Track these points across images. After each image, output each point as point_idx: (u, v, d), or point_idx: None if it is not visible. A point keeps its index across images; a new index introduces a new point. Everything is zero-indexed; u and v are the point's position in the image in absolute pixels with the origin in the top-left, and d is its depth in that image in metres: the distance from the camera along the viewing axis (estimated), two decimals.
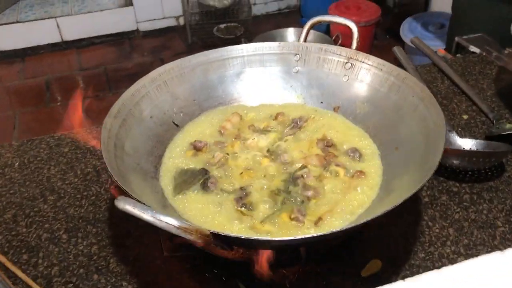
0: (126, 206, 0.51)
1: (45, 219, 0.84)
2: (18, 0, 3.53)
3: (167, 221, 0.51)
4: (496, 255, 0.60)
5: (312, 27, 0.90)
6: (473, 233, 0.79)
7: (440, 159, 0.62)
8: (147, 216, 0.51)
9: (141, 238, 0.80)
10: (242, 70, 0.92)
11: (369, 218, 0.55)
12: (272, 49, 0.92)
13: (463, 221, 0.81)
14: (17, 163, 0.96)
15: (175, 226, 0.51)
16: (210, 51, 0.90)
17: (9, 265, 0.75)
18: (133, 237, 0.80)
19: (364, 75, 0.86)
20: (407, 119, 0.78)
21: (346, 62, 0.88)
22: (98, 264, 0.76)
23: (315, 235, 0.53)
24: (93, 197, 0.88)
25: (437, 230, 0.80)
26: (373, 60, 0.86)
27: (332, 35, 2.90)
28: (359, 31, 0.89)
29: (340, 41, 2.86)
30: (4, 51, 3.25)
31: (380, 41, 3.18)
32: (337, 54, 0.89)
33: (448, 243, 0.78)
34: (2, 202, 0.87)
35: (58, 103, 2.90)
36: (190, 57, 0.89)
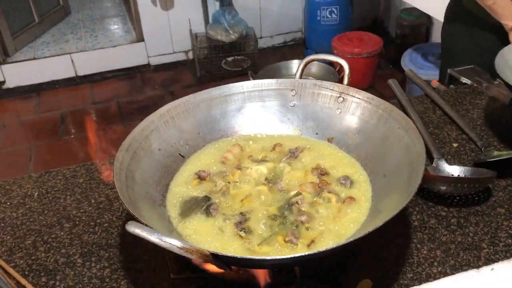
0: (136, 230, 0.58)
1: (61, 244, 0.91)
2: (36, 38, 3.70)
3: (171, 242, 0.58)
4: (471, 273, 0.66)
5: (306, 65, 0.99)
6: (459, 254, 0.84)
7: (418, 185, 0.68)
8: (153, 238, 0.57)
9: (150, 262, 0.86)
10: (242, 105, 1.00)
11: (351, 239, 0.61)
12: (270, 85, 1.00)
13: (450, 243, 0.86)
14: (36, 194, 1.04)
15: (178, 247, 0.58)
16: (213, 88, 0.98)
17: (29, 287, 0.82)
18: (142, 261, 0.86)
19: (355, 108, 0.94)
20: (394, 148, 0.85)
21: (339, 97, 0.96)
22: (110, 286, 0.82)
23: (303, 254, 0.59)
24: (106, 224, 0.95)
25: (425, 252, 0.85)
26: (362, 95, 0.93)
27: (336, 66, 2.99)
28: (350, 68, 0.97)
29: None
30: (21, 87, 3.40)
31: (384, 71, 3.27)
32: (330, 89, 0.97)
33: (435, 264, 0.83)
34: (23, 229, 0.95)
35: (72, 136, 3.01)
36: (195, 94, 0.97)
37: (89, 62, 3.49)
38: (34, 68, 3.40)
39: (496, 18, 1.40)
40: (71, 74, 3.48)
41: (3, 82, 3.36)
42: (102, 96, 3.38)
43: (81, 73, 3.49)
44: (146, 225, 0.63)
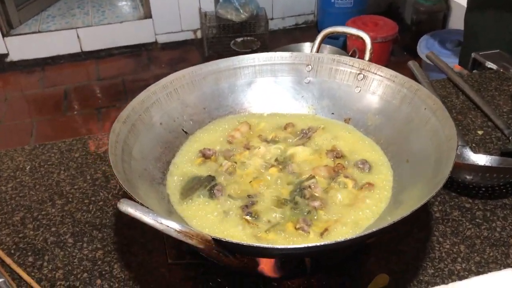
0: (129, 208, 0.51)
1: (52, 222, 0.84)
2: (41, 10, 3.62)
3: (168, 225, 0.50)
4: (507, 272, 0.58)
5: (325, 38, 0.90)
6: (485, 250, 0.77)
7: (450, 172, 0.61)
8: (148, 219, 0.50)
9: (146, 245, 0.79)
10: (253, 80, 0.92)
11: (373, 230, 0.53)
12: (284, 59, 0.92)
13: (475, 238, 0.79)
14: (28, 167, 0.97)
15: (175, 230, 0.50)
16: (222, 60, 0.90)
17: (14, 266, 0.75)
18: (138, 243, 0.80)
19: (376, 86, 0.86)
20: (419, 131, 0.77)
21: (359, 74, 0.88)
22: (102, 269, 0.76)
23: (316, 244, 0.51)
24: (101, 203, 0.88)
25: (447, 246, 0.78)
26: (385, 72, 0.85)
27: (349, 50, 2.89)
28: (372, 43, 0.88)
29: (357, 56, 2.86)
30: (25, 60, 3.32)
31: (397, 57, 3.17)
32: (349, 65, 0.88)
33: (459, 260, 0.75)
34: (11, 204, 0.88)
35: (75, 112, 2.94)
36: (201, 65, 0.89)
37: (95, 38, 3.39)
38: (39, 41, 3.31)
39: None
40: (76, 49, 3.39)
41: (6, 55, 3.28)
42: (108, 73, 3.29)
43: (86, 48, 3.40)
44: (141, 204, 0.56)
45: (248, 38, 3.38)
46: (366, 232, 0.54)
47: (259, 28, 3.33)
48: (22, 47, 3.29)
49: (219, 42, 3.34)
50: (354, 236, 0.54)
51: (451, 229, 0.81)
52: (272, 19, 3.59)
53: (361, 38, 0.87)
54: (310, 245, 0.53)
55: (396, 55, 3.19)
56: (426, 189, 0.65)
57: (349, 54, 2.83)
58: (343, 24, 3.00)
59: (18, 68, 3.31)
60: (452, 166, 0.61)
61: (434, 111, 0.75)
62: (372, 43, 0.87)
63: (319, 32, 3.22)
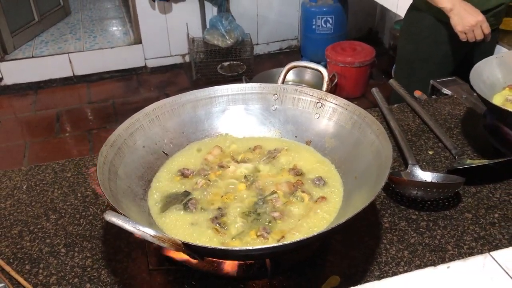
0: (112, 218, 0.62)
1: (46, 235, 0.95)
2: (35, 36, 3.75)
3: (144, 230, 0.62)
4: (429, 270, 0.70)
5: (288, 71, 1.03)
6: (425, 255, 0.89)
7: (381, 188, 0.73)
8: (128, 226, 0.62)
9: (130, 254, 0.90)
10: (226, 107, 1.04)
11: (314, 234, 0.65)
12: (254, 89, 1.04)
13: (418, 245, 0.91)
14: (25, 186, 1.08)
15: (150, 235, 0.62)
16: (199, 90, 1.03)
17: (13, 273, 0.86)
18: (123, 252, 0.90)
19: (332, 113, 0.98)
20: (365, 152, 0.89)
21: (317, 102, 1.00)
22: (91, 275, 0.86)
23: (270, 246, 0.63)
24: (90, 217, 0.99)
25: (393, 252, 0.89)
26: (339, 101, 0.97)
27: (330, 74, 3.04)
28: (329, 76, 1.01)
29: (336, 80, 3.01)
30: (18, 84, 3.44)
31: (376, 81, 3.33)
32: (309, 95, 1.01)
33: (402, 263, 0.87)
34: (10, 219, 0.99)
35: (67, 134, 3.05)
36: (181, 95, 1.02)
37: (87, 62, 3.53)
38: (32, 66, 3.44)
39: (434, 5, 1.68)
40: (68, 73, 3.52)
41: (0, 79, 3.40)
42: (98, 96, 3.42)
43: (78, 72, 3.54)
44: (123, 215, 0.67)
45: (234, 62, 3.53)
46: (308, 236, 0.66)
47: (245, 53, 3.49)
48: (16, 71, 3.41)
49: (206, 66, 3.49)
50: (298, 239, 0.66)
51: (398, 237, 0.92)
52: (257, 44, 3.76)
53: (320, 72, 1.00)
54: (264, 246, 0.64)
55: (375, 78, 3.35)
56: (367, 201, 0.77)
57: (330, 77, 2.98)
58: (323, 49, 3.16)
59: (11, 91, 3.43)
60: (384, 183, 0.73)
61: (377, 135, 0.87)
62: (329, 76, 1.00)
63: (302, 56, 3.42)
